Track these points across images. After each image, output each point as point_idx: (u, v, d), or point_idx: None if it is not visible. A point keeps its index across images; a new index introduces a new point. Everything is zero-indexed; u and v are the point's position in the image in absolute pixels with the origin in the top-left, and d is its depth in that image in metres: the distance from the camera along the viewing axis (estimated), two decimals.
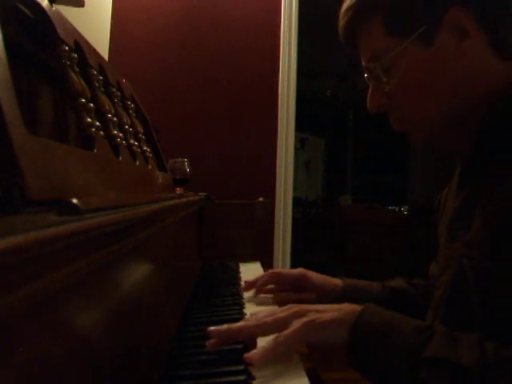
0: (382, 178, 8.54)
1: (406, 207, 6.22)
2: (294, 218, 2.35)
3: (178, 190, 1.42)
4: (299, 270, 0.95)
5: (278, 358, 0.59)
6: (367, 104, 0.72)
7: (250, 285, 0.98)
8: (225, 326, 0.63)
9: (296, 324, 0.60)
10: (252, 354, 0.59)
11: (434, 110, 0.67)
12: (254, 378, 0.56)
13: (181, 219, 1.03)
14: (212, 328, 0.63)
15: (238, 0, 2.25)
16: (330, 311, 0.62)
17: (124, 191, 0.66)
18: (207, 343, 0.62)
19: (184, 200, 1.04)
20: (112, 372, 0.44)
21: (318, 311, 0.62)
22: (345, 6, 0.71)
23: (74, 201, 0.36)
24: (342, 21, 0.72)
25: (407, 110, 0.69)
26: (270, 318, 0.63)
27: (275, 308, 0.70)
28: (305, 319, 0.60)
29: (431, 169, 6.15)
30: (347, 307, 0.63)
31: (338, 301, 0.72)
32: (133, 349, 0.52)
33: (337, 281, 0.92)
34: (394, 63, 0.66)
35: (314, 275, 0.93)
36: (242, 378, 0.55)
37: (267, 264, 1.48)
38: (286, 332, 0.60)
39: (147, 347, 0.58)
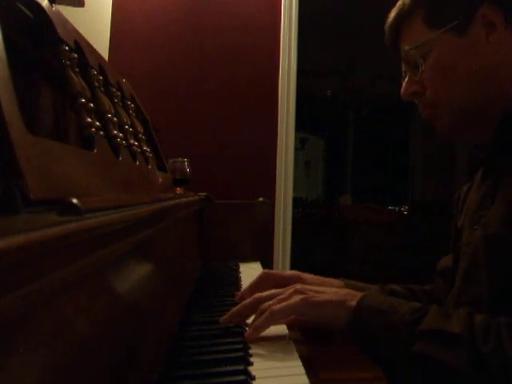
0: (382, 177, 8.54)
1: (406, 207, 6.22)
2: (293, 218, 2.34)
3: (178, 190, 1.42)
4: (293, 272, 0.92)
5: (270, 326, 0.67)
6: (401, 92, 0.79)
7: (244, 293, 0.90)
8: (233, 311, 0.73)
9: (293, 299, 0.67)
10: (248, 332, 0.67)
11: (459, 96, 0.73)
12: (254, 378, 0.56)
13: (181, 219, 1.03)
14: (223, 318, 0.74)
15: (237, 0, 2.25)
16: (327, 292, 0.69)
17: (124, 191, 0.66)
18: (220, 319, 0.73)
19: (184, 200, 1.04)
20: (112, 371, 0.44)
21: (316, 291, 0.70)
22: (396, 7, 0.80)
23: (74, 201, 0.36)
24: (388, 19, 0.80)
25: (436, 94, 0.75)
26: (274, 300, 0.70)
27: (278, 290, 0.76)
28: (302, 296, 0.68)
29: (431, 169, 6.14)
30: (343, 290, 0.71)
31: None
32: (133, 348, 0.52)
33: (337, 282, 0.91)
34: (429, 50, 0.74)
35: (309, 277, 0.89)
36: (241, 377, 0.55)
37: (267, 264, 1.48)
38: (282, 304, 0.67)
39: (147, 347, 0.58)
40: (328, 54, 5.92)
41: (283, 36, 2.25)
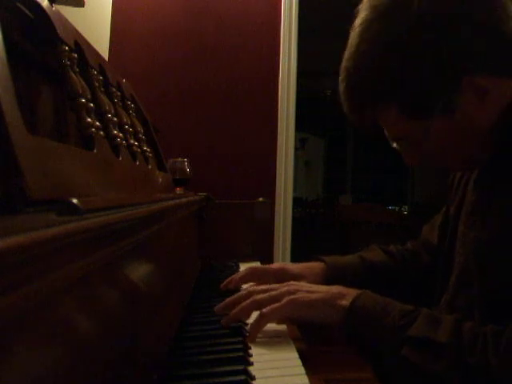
0: (382, 177, 8.54)
1: (406, 207, 6.22)
2: (293, 218, 2.34)
3: (178, 190, 1.42)
4: (278, 264, 0.95)
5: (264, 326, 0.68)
6: (405, 161, 0.75)
7: (228, 282, 0.94)
8: (232, 313, 0.72)
9: (284, 300, 0.68)
10: (247, 338, 0.68)
11: (466, 154, 0.70)
12: (254, 378, 0.56)
13: (181, 219, 1.03)
14: (223, 320, 0.73)
15: (237, 0, 2.25)
16: (318, 292, 0.69)
17: (124, 191, 0.66)
18: (222, 321, 0.73)
19: (184, 200, 1.04)
20: (112, 372, 0.44)
21: (308, 291, 0.70)
22: (344, 80, 0.70)
23: (74, 201, 0.36)
24: (346, 94, 0.70)
25: (440, 163, 0.74)
26: (265, 295, 0.71)
27: (272, 285, 0.77)
28: (292, 297, 0.68)
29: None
30: (334, 288, 0.70)
31: (326, 283, 0.80)
32: (133, 348, 0.52)
33: (320, 265, 0.92)
34: (422, 138, 0.67)
35: (294, 266, 0.92)
36: (241, 377, 0.55)
37: (267, 264, 1.48)
38: (272, 306, 0.68)
39: (147, 347, 0.58)
40: (328, 54, 5.92)
41: (283, 36, 2.25)
